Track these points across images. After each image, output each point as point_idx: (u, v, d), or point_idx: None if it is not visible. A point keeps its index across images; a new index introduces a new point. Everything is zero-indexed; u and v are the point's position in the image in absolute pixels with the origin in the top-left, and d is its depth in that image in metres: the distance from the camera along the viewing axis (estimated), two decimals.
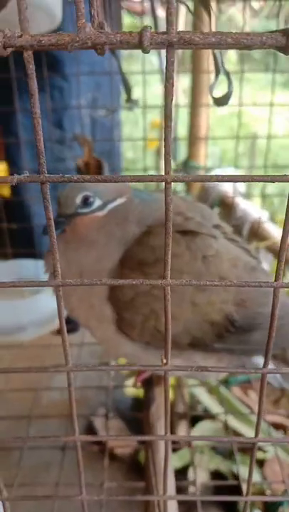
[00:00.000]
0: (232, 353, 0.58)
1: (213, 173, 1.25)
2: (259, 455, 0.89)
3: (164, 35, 0.19)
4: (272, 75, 1.01)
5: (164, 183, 0.23)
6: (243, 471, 0.76)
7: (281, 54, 0.20)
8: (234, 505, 0.83)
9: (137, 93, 0.84)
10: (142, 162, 1.19)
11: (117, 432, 0.99)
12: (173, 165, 0.26)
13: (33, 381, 0.99)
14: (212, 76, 0.51)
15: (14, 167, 1.20)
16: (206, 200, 1.15)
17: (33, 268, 1.05)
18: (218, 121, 2.56)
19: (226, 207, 1.16)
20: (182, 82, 1.36)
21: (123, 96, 0.87)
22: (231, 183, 1.17)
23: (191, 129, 1.24)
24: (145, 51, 0.19)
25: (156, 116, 1.55)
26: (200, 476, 0.84)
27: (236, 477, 0.79)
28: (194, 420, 0.95)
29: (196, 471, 0.75)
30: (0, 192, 1.23)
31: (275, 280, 0.25)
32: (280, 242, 0.24)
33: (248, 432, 0.91)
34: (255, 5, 1.55)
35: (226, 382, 1.02)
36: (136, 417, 1.00)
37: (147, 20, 1.26)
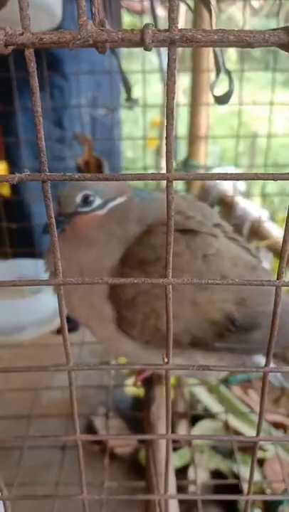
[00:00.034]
0: (233, 352, 0.58)
1: (213, 172, 1.24)
2: (259, 454, 0.89)
3: (166, 32, 0.19)
4: (272, 74, 1.01)
5: (164, 182, 0.23)
6: (243, 471, 0.76)
7: (281, 53, 0.20)
8: (234, 505, 0.83)
9: (136, 92, 0.84)
10: (142, 161, 1.19)
11: (117, 432, 0.98)
12: (173, 164, 0.26)
13: (33, 381, 0.99)
14: (212, 75, 0.51)
15: (14, 166, 1.20)
16: (206, 199, 1.15)
17: (32, 267, 1.04)
18: (218, 120, 2.56)
19: (226, 206, 1.16)
20: (182, 81, 1.36)
21: (123, 95, 0.87)
22: (231, 182, 1.16)
23: (191, 127, 1.24)
24: (147, 49, 0.19)
25: (156, 116, 1.55)
26: (200, 475, 0.84)
27: (236, 476, 0.79)
28: (194, 419, 0.95)
29: (196, 471, 0.75)
30: (0, 191, 1.23)
31: (277, 278, 0.25)
32: (282, 241, 0.24)
33: (248, 431, 0.91)
34: (255, 4, 1.55)
35: (226, 382, 1.02)
36: (136, 416, 1.00)
37: (147, 19, 1.26)
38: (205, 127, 1.23)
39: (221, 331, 0.55)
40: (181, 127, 1.27)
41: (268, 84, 1.03)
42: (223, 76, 0.48)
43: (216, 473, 0.89)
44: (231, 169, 1.17)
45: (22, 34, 0.19)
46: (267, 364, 0.29)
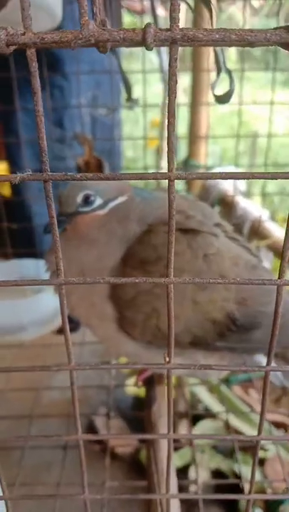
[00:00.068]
0: (234, 351, 0.58)
1: (213, 171, 1.24)
2: (260, 454, 0.89)
3: (167, 32, 0.19)
4: (273, 74, 1.01)
5: (165, 181, 0.23)
6: (244, 470, 0.76)
7: (281, 52, 0.20)
8: (235, 504, 0.83)
9: (137, 92, 0.84)
10: (142, 161, 1.19)
11: (118, 431, 0.99)
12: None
13: (34, 380, 1.00)
14: (212, 74, 0.51)
15: (14, 166, 1.20)
16: (206, 198, 1.15)
17: (33, 268, 1.04)
18: (219, 120, 2.56)
19: (227, 205, 1.16)
20: (182, 81, 1.36)
21: (123, 95, 0.87)
22: (232, 182, 1.16)
23: (191, 127, 1.23)
24: (148, 48, 0.19)
25: (156, 115, 1.55)
26: (201, 475, 0.85)
27: (237, 476, 0.79)
28: (195, 419, 0.95)
29: (197, 470, 0.75)
30: (0, 191, 1.23)
31: (279, 277, 0.25)
32: (283, 240, 0.24)
33: (249, 431, 0.91)
34: (255, 3, 1.55)
35: (226, 381, 1.02)
36: (137, 416, 0.99)
37: (147, 19, 1.26)
38: (205, 127, 1.23)
39: (222, 331, 0.55)
40: (182, 127, 1.27)
41: (268, 84, 1.03)
42: (223, 75, 0.48)
43: (217, 473, 0.89)
44: (232, 169, 1.17)
45: (24, 34, 0.19)
46: (268, 363, 0.29)
